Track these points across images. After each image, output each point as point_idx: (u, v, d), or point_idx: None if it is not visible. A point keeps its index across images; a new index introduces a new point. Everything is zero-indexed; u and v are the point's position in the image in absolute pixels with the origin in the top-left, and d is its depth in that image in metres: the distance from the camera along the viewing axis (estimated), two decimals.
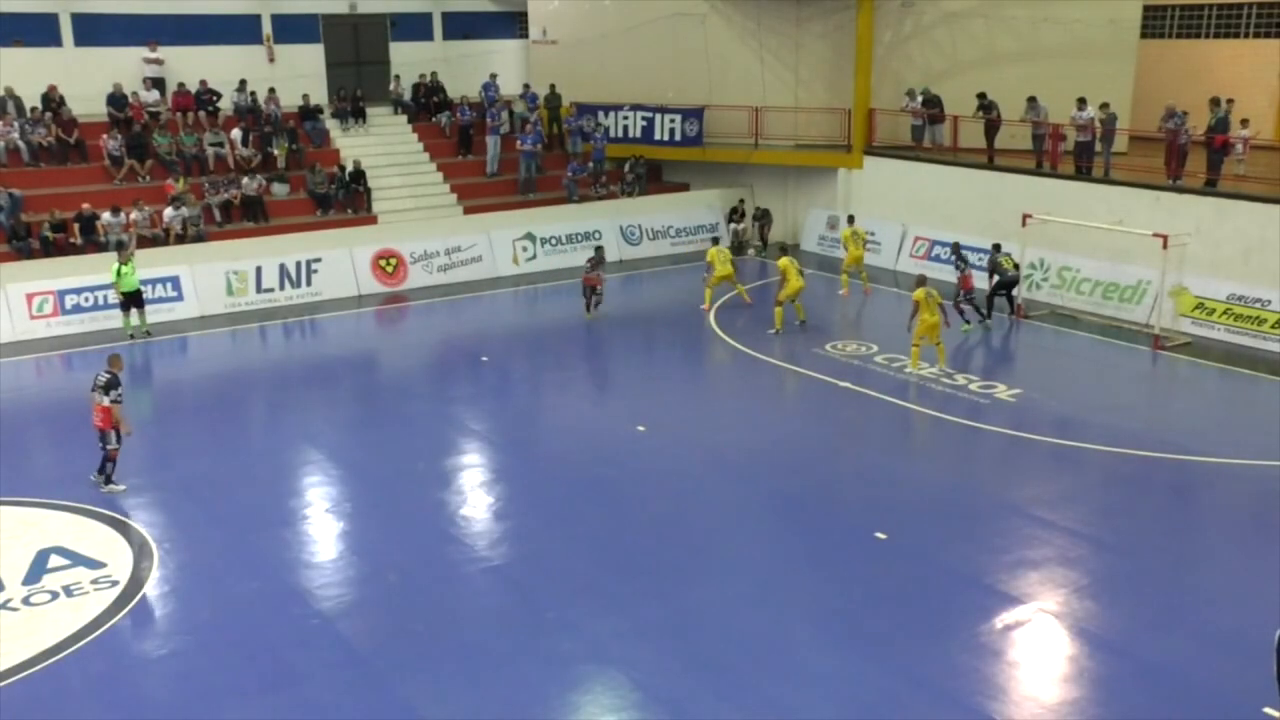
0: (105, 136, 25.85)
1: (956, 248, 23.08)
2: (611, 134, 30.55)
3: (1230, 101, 24.60)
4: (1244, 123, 24.42)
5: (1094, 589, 12.02)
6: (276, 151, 27.21)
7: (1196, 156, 23.19)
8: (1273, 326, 20.63)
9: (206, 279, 23.71)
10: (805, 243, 29.64)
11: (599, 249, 24.78)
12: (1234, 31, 31.54)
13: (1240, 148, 23.92)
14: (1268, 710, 9.77)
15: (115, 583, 12.24)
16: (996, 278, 22.13)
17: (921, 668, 10.61)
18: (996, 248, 22.46)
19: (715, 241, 24.90)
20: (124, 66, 27.36)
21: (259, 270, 24.26)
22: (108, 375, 14.41)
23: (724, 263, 23.33)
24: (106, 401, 14.26)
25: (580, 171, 29.15)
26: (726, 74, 29.98)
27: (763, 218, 29.68)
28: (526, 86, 31.15)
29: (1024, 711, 9.96)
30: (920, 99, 27.52)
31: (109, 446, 14.42)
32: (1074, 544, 13.09)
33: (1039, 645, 11.07)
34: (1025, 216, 22.89)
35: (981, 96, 26.25)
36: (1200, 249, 21.58)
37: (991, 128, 26.37)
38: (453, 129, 29.83)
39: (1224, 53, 31.10)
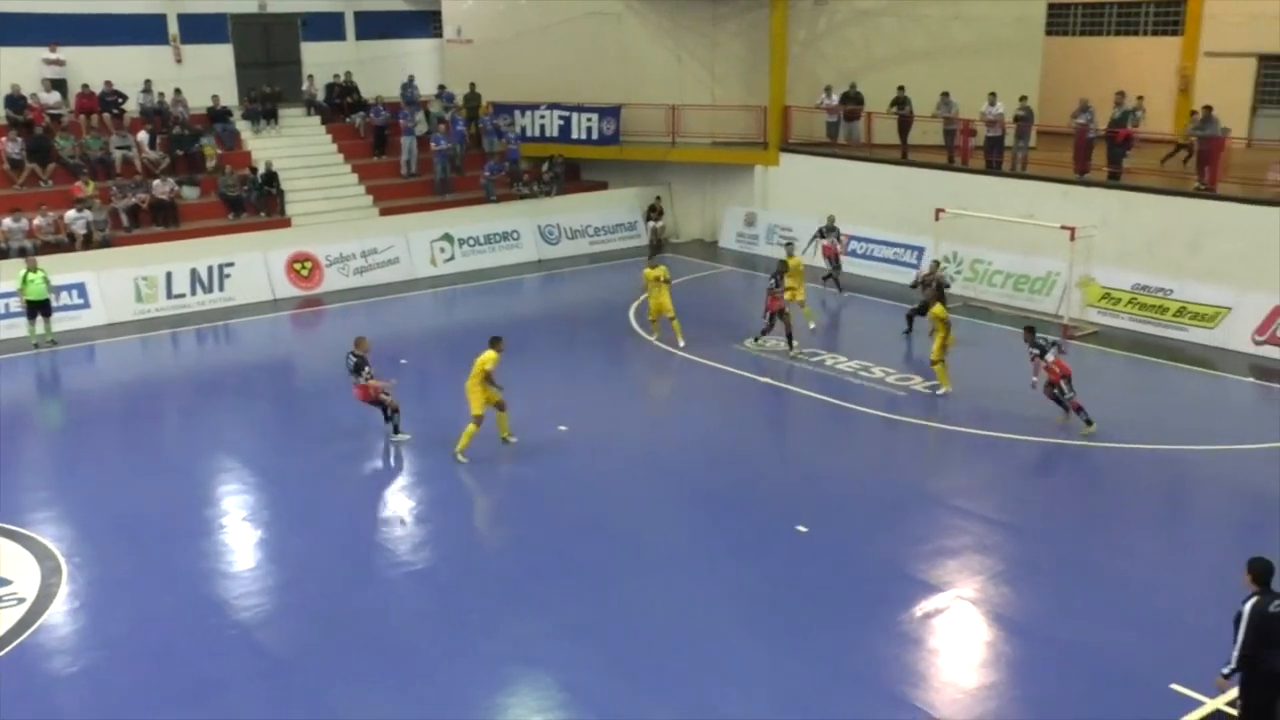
0: (4, 139, 25.11)
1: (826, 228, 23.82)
2: (528, 133, 30.45)
3: (1140, 98, 25.31)
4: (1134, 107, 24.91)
5: (1010, 575, 12.28)
6: (205, 151, 26.69)
7: (1100, 150, 23.80)
8: (1175, 315, 21.27)
9: (114, 285, 23.18)
10: (723, 239, 29.85)
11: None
12: (1134, 29, 32.44)
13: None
14: (1175, 686, 10.09)
15: (21, 600, 11.91)
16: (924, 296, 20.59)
17: (845, 658, 10.76)
18: (936, 264, 21.38)
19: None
20: (22, 68, 26.57)
21: (169, 276, 23.79)
22: (355, 358, 15.94)
23: (659, 286, 20.66)
24: (361, 381, 15.87)
25: (498, 171, 29.01)
26: (643, 72, 30.06)
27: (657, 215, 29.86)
28: (442, 87, 30.91)
29: (945, 697, 10.15)
30: (837, 97, 27.79)
31: (387, 399, 16.11)
32: (990, 531, 13.36)
33: (958, 631, 11.29)
34: (938, 211, 23.30)
35: (900, 90, 26.60)
36: (1106, 241, 22.16)
37: (905, 124, 26.78)
38: (367, 129, 29.50)
39: (1125, 49, 31.99)
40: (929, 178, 25.64)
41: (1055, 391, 16.49)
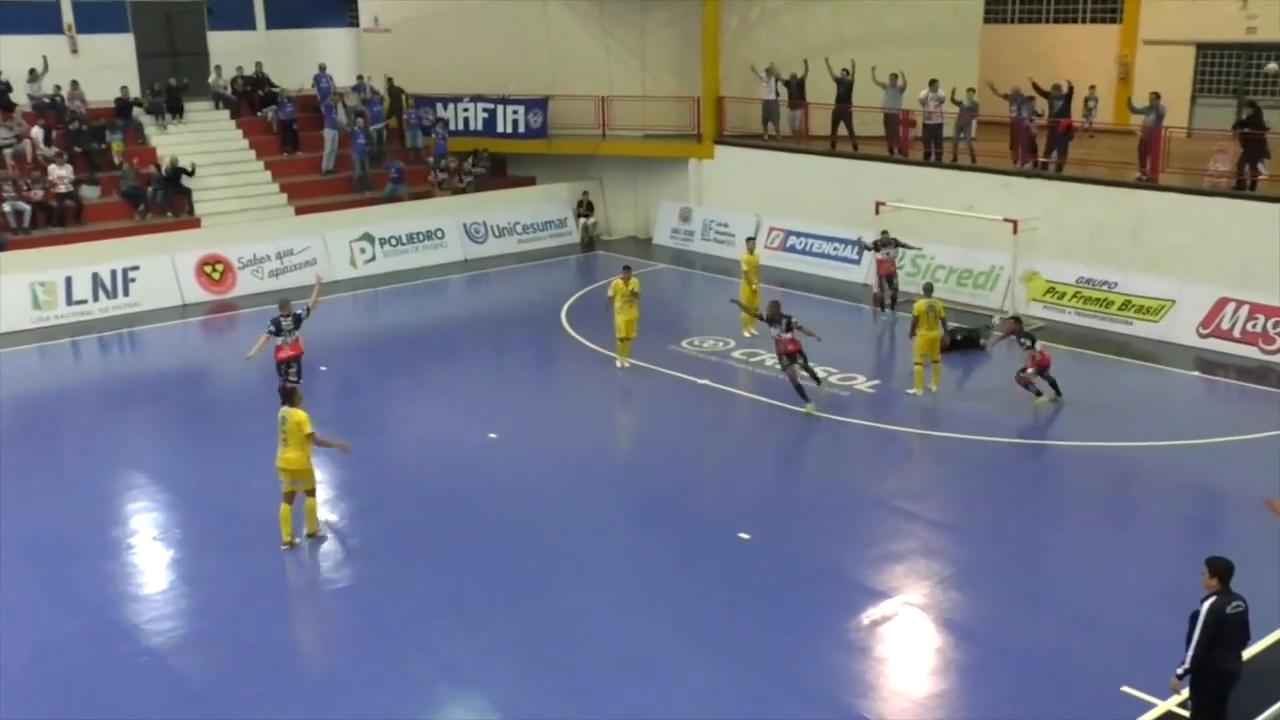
0: None
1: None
2: (452, 127, 30.27)
3: (1093, 87, 25.66)
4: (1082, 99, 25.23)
5: (957, 579, 12.44)
6: (113, 148, 26.15)
7: (1041, 140, 24.21)
8: (1120, 309, 21.71)
9: (8, 291, 22.63)
10: (658, 236, 29.91)
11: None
12: (1072, 17, 33.06)
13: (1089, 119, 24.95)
14: (1125, 689, 10.28)
15: None
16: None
17: (790, 668, 10.81)
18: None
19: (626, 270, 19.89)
20: None
21: (69, 280, 23.31)
22: (291, 317, 17.14)
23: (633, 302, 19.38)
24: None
25: (397, 172, 28.27)
26: (570, 62, 30.03)
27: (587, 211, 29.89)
28: (360, 78, 30.60)
29: (893, 707, 10.25)
30: (777, 81, 27.79)
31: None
32: (937, 535, 13.53)
33: (906, 639, 11.40)
34: (878, 204, 23.55)
35: (845, 71, 26.72)
36: (1049, 233, 22.56)
37: (844, 112, 26.98)
38: (278, 125, 29.10)
39: (1063, 37, 32.60)
40: (869, 170, 25.89)
41: (1028, 376, 17.62)
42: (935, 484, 15.21)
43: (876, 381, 18.70)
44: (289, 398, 13.14)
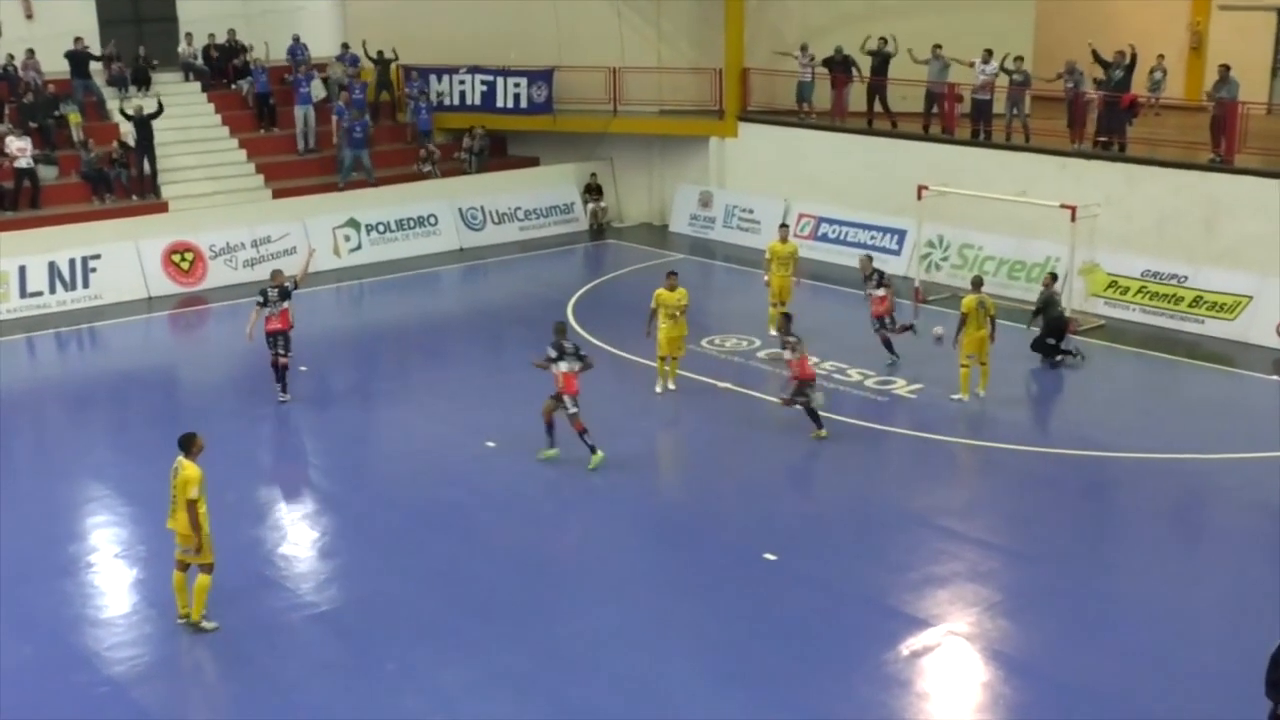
0: None
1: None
2: (446, 101, 30.31)
3: (1161, 57, 25.35)
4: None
5: (1007, 606, 12.40)
6: (69, 119, 26.14)
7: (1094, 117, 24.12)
8: (1190, 305, 21.62)
9: None
10: (674, 223, 29.89)
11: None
12: None
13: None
14: None
15: None
16: (1041, 318, 19.77)
17: (821, 705, 10.79)
18: (1053, 277, 20.52)
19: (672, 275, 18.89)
20: None
21: (22, 270, 23.40)
22: (276, 289, 17.93)
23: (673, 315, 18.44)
24: (566, 368, 16.04)
25: (358, 148, 27.71)
26: (578, 30, 30.01)
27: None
28: (345, 47, 30.64)
29: None
30: (813, 60, 27.71)
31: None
32: (985, 556, 13.49)
33: (950, 672, 11.37)
34: (920, 188, 23.50)
35: (883, 40, 26.65)
36: (1111, 221, 22.47)
37: (877, 88, 26.90)
38: (253, 99, 29.15)
39: (1128, 3, 32.43)
40: (910, 150, 25.87)
41: (881, 327, 18.97)
42: (983, 500, 15.16)
43: (918, 386, 18.66)
44: (186, 445, 11.85)
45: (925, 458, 16.50)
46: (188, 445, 11.88)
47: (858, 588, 12.80)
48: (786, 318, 17.47)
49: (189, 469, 11.71)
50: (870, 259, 19.96)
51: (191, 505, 11.61)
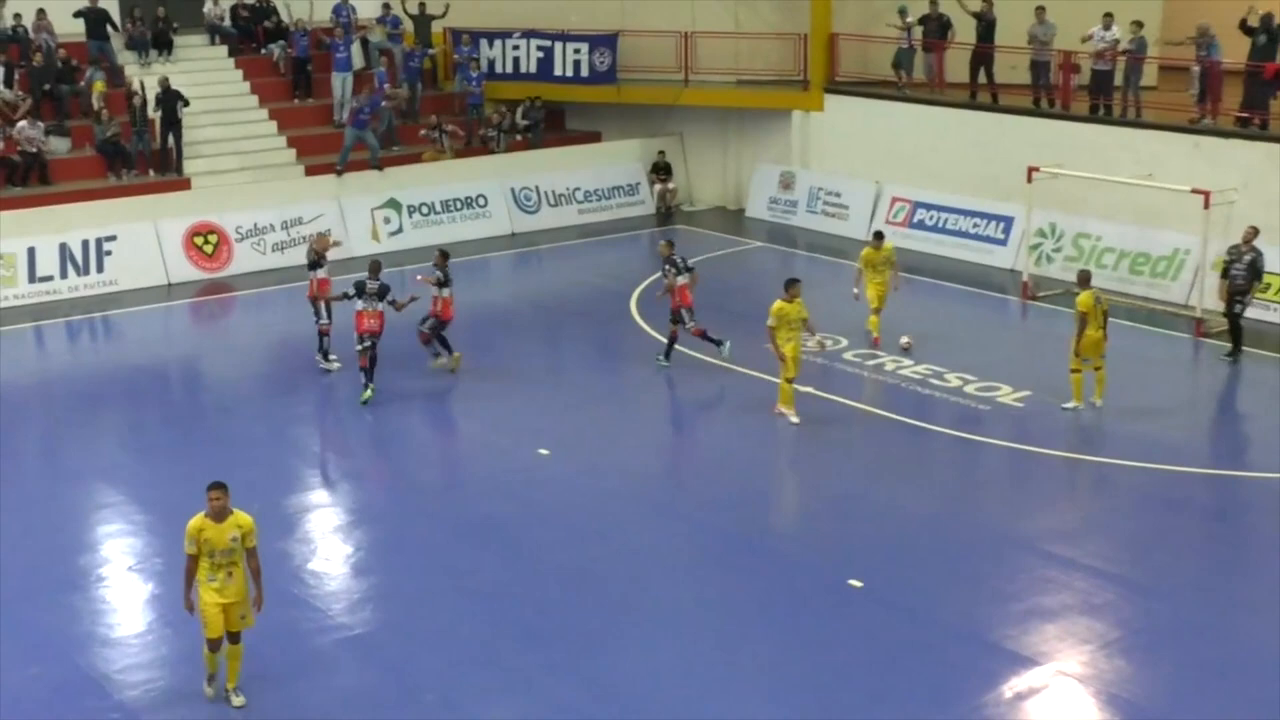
0: None
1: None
2: (499, 69, 30.46)
3: None
4: None
5: (1125, 644, 12.26)
6: (94, 88, 26.48)
7: (1233, 90, 23.75)
8: None
9: None
10: (751, 207, 29.84)
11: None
12: None
13: None
14: None
15: None
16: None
17: None
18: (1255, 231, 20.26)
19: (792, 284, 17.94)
20: None
21: (31, 252, 23.75)
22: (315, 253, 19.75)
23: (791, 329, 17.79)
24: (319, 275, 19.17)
25: (360, 126, 27.20)
26: None
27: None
28: (386, 7, 30.92)
29: None
30: (914, 20, 27.57)
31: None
32: (1099, 587, 13.35)
33: (1059, 717, 11.25)
34: (1030, 170, 23.29)
35: (988, 4, 26.47)
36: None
37: (982, 56, 26.69)
38: (288, 64, 29.47)
39: None
40: (1018, 127, 25.64)
41: (677, 321, 19.36)
42: (1098, 523, 15.00)
43: (1025, 393, 18.49)
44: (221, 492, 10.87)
45: (1032, 474, 16.36)
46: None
47: (954, 620, 12.72)
48: (670, 244, 19.78)
49: (244, 516, 11.02)
50: (671, 244, 20.20)
51: (253, 553, 11.07)
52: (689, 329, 19.38)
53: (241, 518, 10.93)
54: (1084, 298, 17.62)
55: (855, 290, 20.57)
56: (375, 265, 18.92)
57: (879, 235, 20.99)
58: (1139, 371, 19.42)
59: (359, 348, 18.26)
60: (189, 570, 10.95)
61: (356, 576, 13.84)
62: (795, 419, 17.64)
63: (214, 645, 11.09)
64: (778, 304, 17.46)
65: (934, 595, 13.20)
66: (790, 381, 17.67)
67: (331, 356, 19.75)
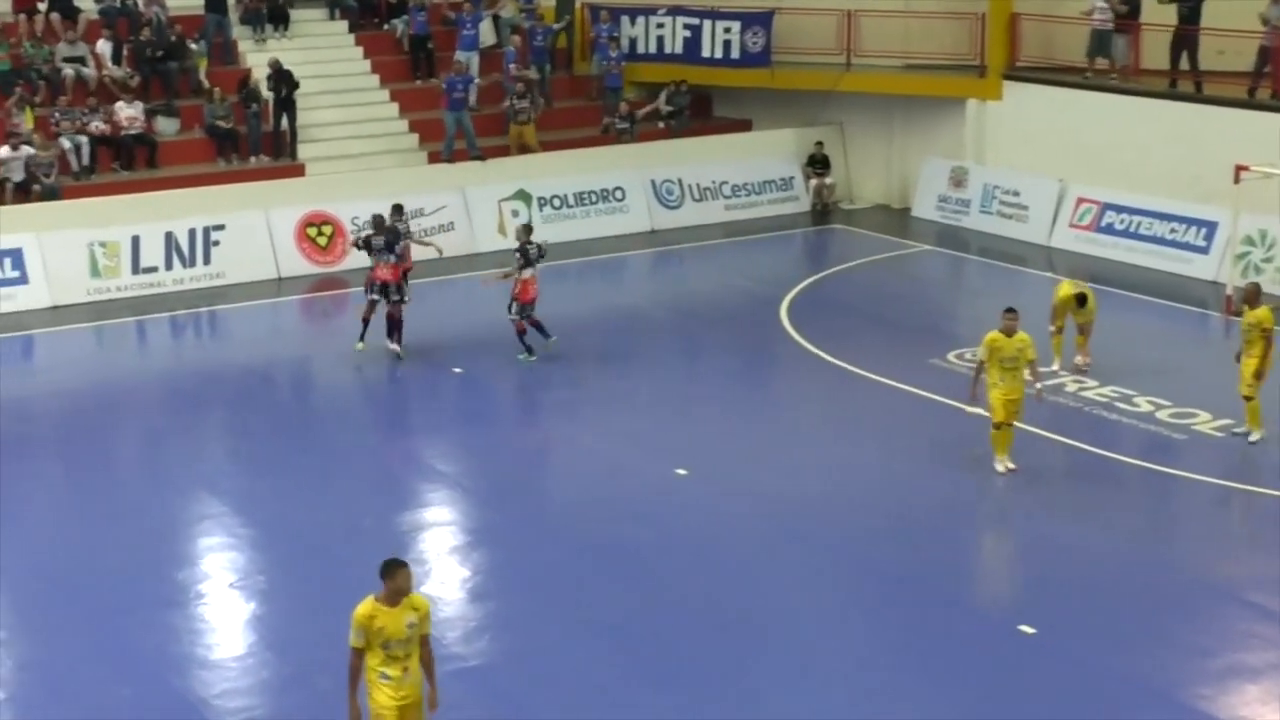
0: None
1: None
2: (640, 49, 30.59)
3: None
4: None
5: None
6: (198, 64, 27.07)
7: None
8: None
9: (61, 254, 23.73)
10: (918, 206, 29.57)
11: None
12: None
13: None
14: None
15: None
16: None
17: None
18: None
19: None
20: None
21: (136, 241, 24.22)
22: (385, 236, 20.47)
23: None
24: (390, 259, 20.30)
25: (458, 108, 27.45)
26: None
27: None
28: None
29: None
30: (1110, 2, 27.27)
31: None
32: None
33: None
34: (1238, 169, 22.78)
35: None
36: None
37: (1185, 39, 26.20)
38: (411, 41, 29.86)
39: None
40: (1226, 120, 25.14)
41: (522, 315, 20.28)
42: None
43: (1226, 421, 18.08)
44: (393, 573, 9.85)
45: (1232, 512, 16.04)
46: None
47: (1140, 676, 12.50)
48: (527, 229, 20.85)
49: (420, 598, 10.18)
50: (529, 228, 21.22)
51: (426, 641, 10.07)
52: (511, 320, 20.45)
53: (417, 600, 9.96)
54: (1262, 313, 17.16)
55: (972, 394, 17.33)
56: (387, 215, 20.83)
57: (1010, 311, 16.80)
58: None
59: (370, 297, 20.21)
60: (353, 668, 9.80)
61: (473, 603, 13.96)
62: (1001, 468, 16.73)
63: None
64: (991, 335, 16.55)
65: (1116, 646, 12.95)
66: (999, 428, 16.66)
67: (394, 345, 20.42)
